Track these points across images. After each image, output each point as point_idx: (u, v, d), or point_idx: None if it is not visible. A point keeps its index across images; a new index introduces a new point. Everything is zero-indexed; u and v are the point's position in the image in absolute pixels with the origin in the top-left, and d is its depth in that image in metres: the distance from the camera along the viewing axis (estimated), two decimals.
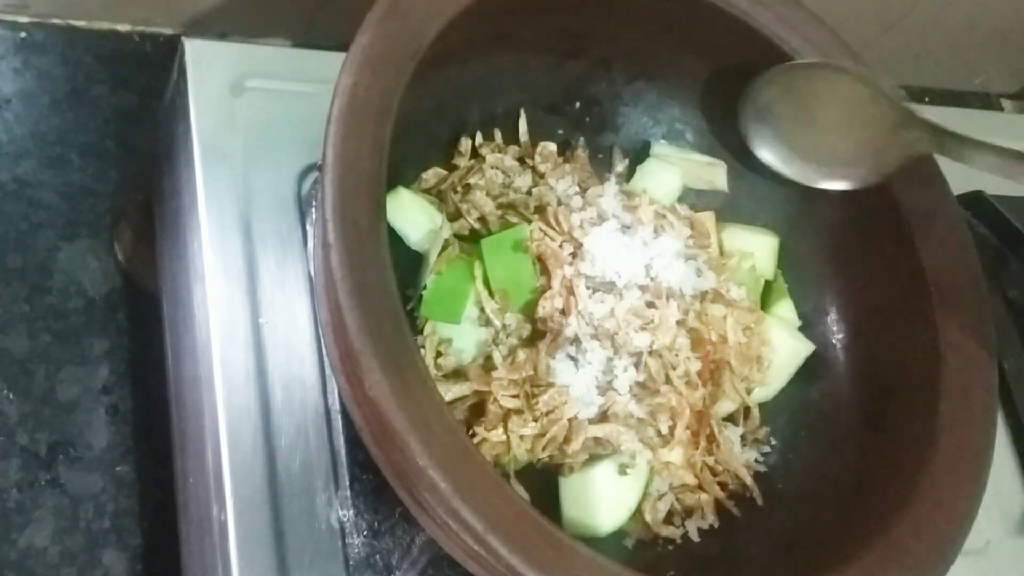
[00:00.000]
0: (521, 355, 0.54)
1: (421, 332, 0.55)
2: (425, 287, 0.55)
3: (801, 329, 0.63)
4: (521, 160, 0.62)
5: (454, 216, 0.58)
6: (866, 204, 0.61)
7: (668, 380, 0.55)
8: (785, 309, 0.63)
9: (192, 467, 0.61)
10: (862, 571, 0.49)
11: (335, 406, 0.56)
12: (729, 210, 0.65)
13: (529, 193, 0.60)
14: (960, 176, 0.62)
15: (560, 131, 0.64)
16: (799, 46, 0.60)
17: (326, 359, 0.56)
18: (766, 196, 0.65)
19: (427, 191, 0.59)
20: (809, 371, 0.63)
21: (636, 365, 0.55)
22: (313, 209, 0.59)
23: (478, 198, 0.58)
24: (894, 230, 0.59)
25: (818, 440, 0.61)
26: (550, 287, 0.55)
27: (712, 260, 0.61)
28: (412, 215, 0.56)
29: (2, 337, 0.73)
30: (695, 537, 0.57)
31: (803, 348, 0.62)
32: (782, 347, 0.61)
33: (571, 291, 0.55)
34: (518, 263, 0.55)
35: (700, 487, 0.57)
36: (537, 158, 0.62)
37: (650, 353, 0.55)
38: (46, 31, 0.75)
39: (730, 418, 0.60)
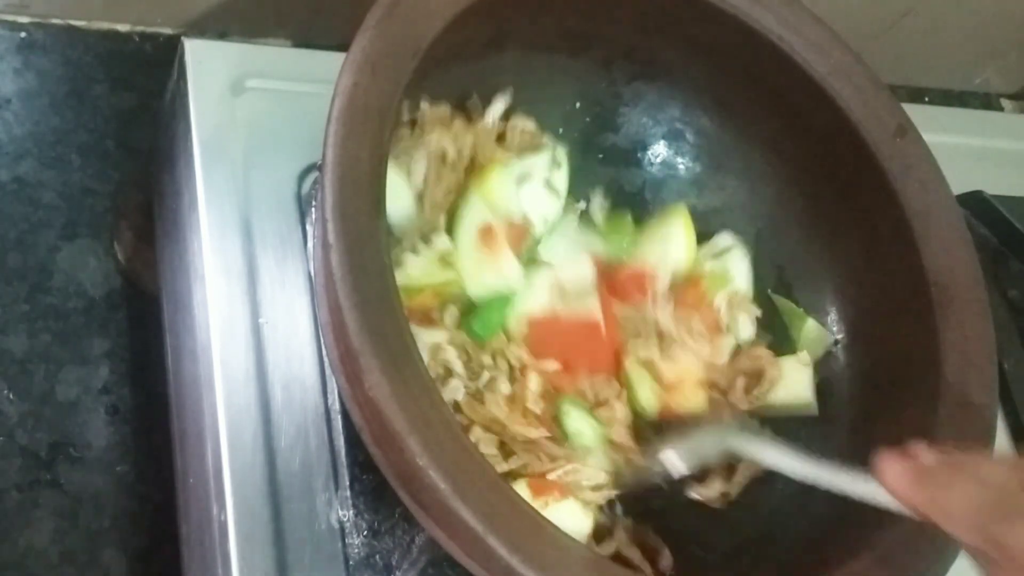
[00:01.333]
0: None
1: None
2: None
3: None
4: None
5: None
6: (866, 204, 0.61)
7: None
8: (814, 330, 0.63)
9: (192, 467, 0.61)
10: (862, 570, 0.49)
11: (335, 406, 0.56)
12: (727, 211, 0.66)
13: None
14: (960, 176, 0.63)
15: (560, 130, 0.64)
16: (799, 46, 0.60)
17: (326, 359, 0.56)
18: (761, 192, 0.65)
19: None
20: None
21: None
22: (313, 209, 0.59)
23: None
24: (894, 230, 0.59)
25: (818, 439, 0.61)
26: None
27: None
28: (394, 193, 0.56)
29: (2, 337, 0.73)
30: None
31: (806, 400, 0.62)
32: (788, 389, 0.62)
33: None
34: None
35: None
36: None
37: None
38: (46, 31, 0.75)
39: None
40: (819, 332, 0.63)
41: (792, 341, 0.63)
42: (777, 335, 0.64)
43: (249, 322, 0.57)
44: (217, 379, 0.55)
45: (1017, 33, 0.97)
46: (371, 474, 0.54)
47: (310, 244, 0.59)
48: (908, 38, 0.94)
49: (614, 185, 0.66)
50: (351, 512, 0.54)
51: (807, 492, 0.59)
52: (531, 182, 0.61)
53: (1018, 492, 0.39)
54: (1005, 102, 1.07)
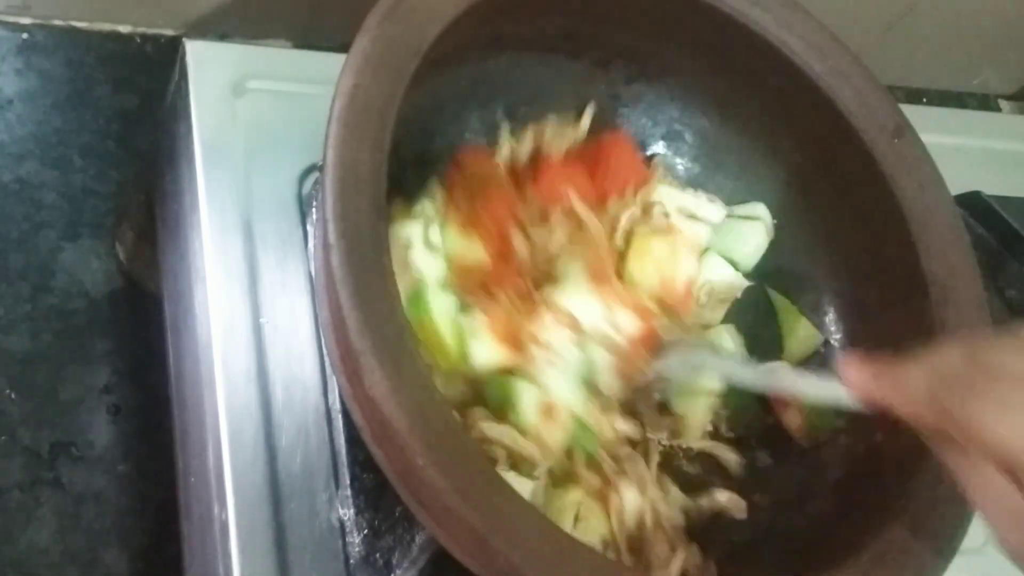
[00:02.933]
0: None
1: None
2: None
3: None
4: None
5: None
6: (866, 204, 0.61)
7: None
8: (805, 329, 0.64)
9: (193, 466, 0.61)
10: (860, 570, 0.49)
11: (335, 406, 0.56)
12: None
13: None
14: (958, 177, 0.63)
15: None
16: (798, 47, 0.60)
17: (327, 359, 0.56)
18: (760, 193, 0.65)
19: None
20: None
21: None
22: (314, 209, 0.59)
23: None
24: (893, 230, 0.59)
25: (817, 440, 0.61)
26: None
27: None
28: None
29: (4, 337, 0.73)
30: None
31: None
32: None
33: None
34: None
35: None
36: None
37: None
38: (48, 32, 0.75)
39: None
40: (809, 332, 0.63)
41: (780, 338, 0.64)
42: (764, 331, 0.64)
43: (250, 322, 0.57)
44: (218, 379, 0.55)
45: (1015, 34, 0.98)
46: (371, 473, 0.54)
47: (311, 244, 0.59)
48: (907, 38, 0.94)
49: None
50: (351, 511, 0.54)
51: (807, 491, 0.59)
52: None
53: (969, 370, 0.40)
54: (1003, 103, 1.07)
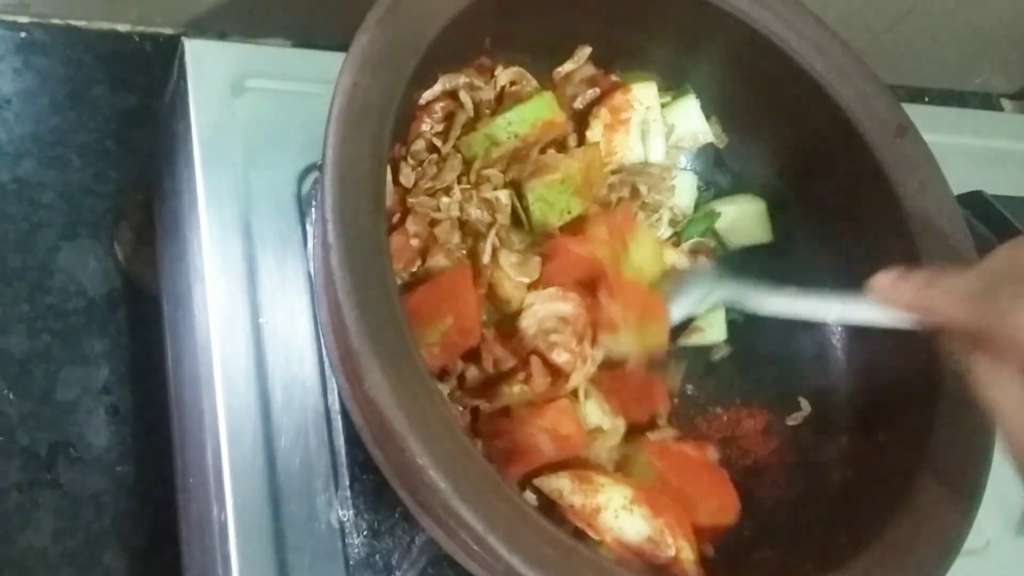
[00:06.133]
0: None
1: None
2: None
3: (801, 328, 0.63)
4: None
5: None
6: (866, 204, 0.61)
7: None
8: None
9: (192, 467, 0.61)
10: (862, 570, 0.49)
11: (335, 406, 0.56)
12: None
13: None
14: (960, 176, 0.62)
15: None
16: (799, 46, 0.60)
17: (326, 359, 0.56)
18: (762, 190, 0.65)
19: None
20: (809, 371, 0.63)
21: None
22: (313, 209, 0.59)
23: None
24: (894, 229, 0.59)
25: (818, 439, 0.61)
26: None
27: None
28: None
29: (2, 337, 0.73)
30: None
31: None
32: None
33: None
34: None
35: None
36: None
37: None
38: (46, 31, 0.75)
39: None
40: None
41: None
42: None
43: (249, 322, 0.57)
44: (217, 379, 0.55)
45: (1017, 33, 0.98)
46: (371, 474, 0.54)
47: (310, 244, 0.59)
48: (908, 38, 0.94)
49: None
50: (351, 512, 0.54)
51: (808, 490, 0.59)
52: None
53: (1016, 270, 0.41)
54: (1005, 102, 1.07)
